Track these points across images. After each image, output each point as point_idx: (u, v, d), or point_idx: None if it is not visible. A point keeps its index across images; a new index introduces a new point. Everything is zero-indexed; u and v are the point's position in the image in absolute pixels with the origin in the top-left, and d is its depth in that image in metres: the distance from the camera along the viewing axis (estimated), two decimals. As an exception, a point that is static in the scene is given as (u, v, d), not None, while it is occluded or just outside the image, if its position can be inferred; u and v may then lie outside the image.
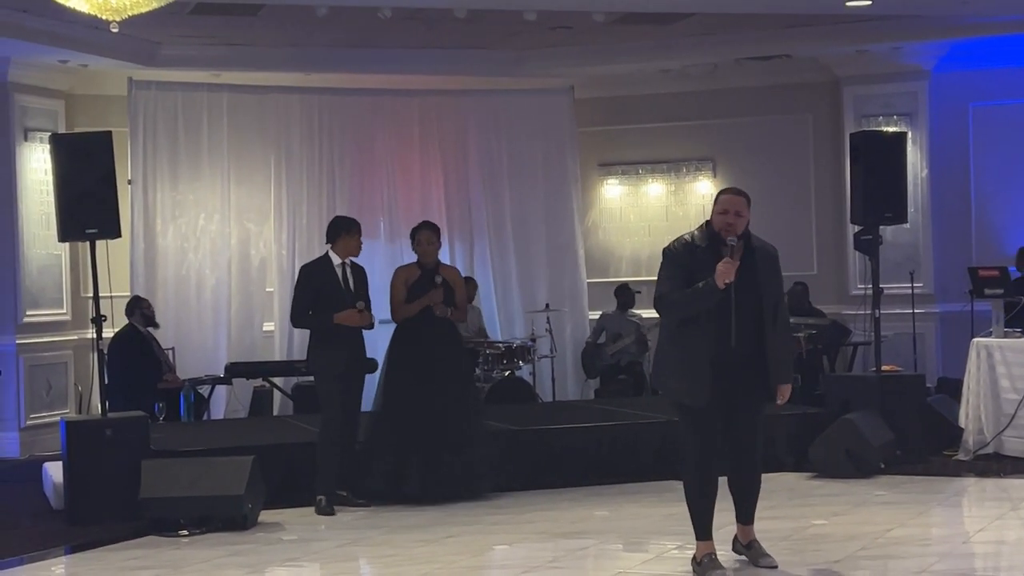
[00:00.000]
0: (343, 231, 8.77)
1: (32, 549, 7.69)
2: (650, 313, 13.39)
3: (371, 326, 8.85)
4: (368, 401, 9.15)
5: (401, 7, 11.10)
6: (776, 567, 6.43)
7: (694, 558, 6.49)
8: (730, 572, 6.41)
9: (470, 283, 12.57)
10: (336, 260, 8.74)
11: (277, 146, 13.23)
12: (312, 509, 8.51)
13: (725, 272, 6.21)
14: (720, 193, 6.55)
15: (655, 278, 6.62)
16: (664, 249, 6.53)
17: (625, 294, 13.57)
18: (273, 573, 7.07)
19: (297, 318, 8.86)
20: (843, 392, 10.09)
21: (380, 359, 9.16)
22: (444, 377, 8.82)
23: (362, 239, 8.85)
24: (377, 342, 9.33)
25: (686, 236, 6.51)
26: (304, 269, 8.97)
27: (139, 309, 11.81)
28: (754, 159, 13.86)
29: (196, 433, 10.45)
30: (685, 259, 6.39)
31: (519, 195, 13.93)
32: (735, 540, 6.66)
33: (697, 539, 6.49)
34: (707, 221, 6.51)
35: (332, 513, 8.44)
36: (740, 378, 6.34)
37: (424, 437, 8.71)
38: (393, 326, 9.05)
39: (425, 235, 8.94)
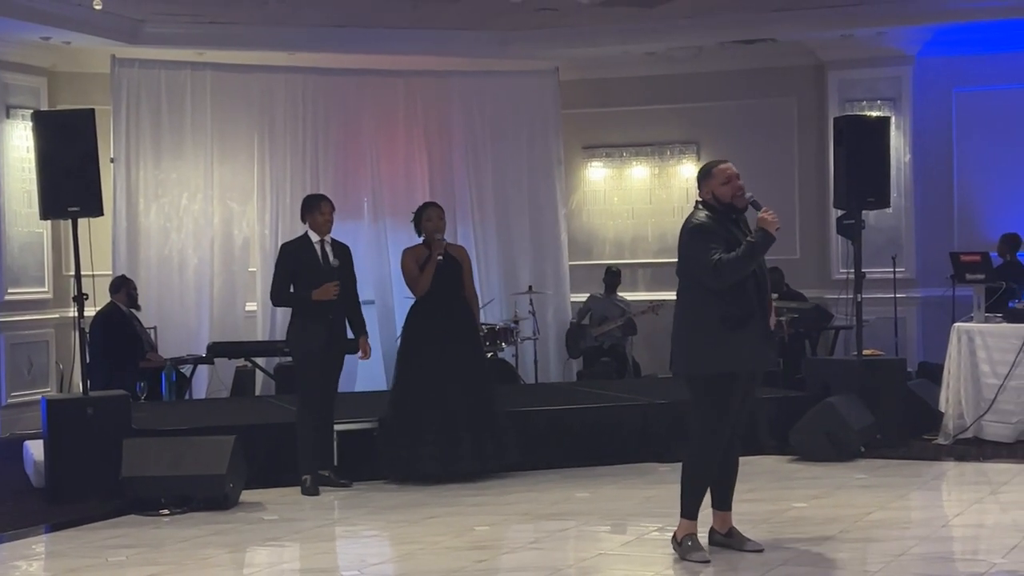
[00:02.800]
0: (308, 208, 8.81)
1: (12, 527, 7.68)
2: (632, 296, 13.52)
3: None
4: (372, 379, 9.15)
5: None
6: (762, 551, 6.43)
7: (674, 537, 6.45)
8: (709, 554, 6.40)
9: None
10: (315, 238, 8.74)
11: (261, 126, 13.19)
12: (293, 489, 8.51)
13: (772, 219, 6.28)
14: (711, 167, 6.57)
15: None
16: (690, 227, 6.40)
17: (612, 277, 13.59)
18: (254, 553, 7.07)
19: (276, 296, 8.90)
20: (824, 376, 10.12)
21: (372, 339, 9.20)
22: (459, 357, 8.86)
23: (332, 213, 8.80)
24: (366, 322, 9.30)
25: (703, 214, 6.46)
26: (283, 248, 8.98)
27: (125, 288, 11.79)
28: (738, 142, 13.85)
29: (178, 412, 10.43)
30: (715, 228, 6.35)
31: (503, 177, 13.92)
32: (711, 532, 6.58)
33: (684, 517, 6.42)
34: (700, 202, 6.51)
35: (317, 493, 8.45)
36: (759, 350, 6.36)
37: (440, 416, 8.74)
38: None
39: (434, 211, 9.00)
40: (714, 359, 6.31)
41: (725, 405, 6.34)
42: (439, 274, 8.87)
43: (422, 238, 9.00)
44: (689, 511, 6.43)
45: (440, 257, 8.86)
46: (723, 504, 6.57)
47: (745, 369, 6.33)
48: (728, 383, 6.31)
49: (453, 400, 8.77)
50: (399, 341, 9.06)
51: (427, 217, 8.96)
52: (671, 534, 6.54)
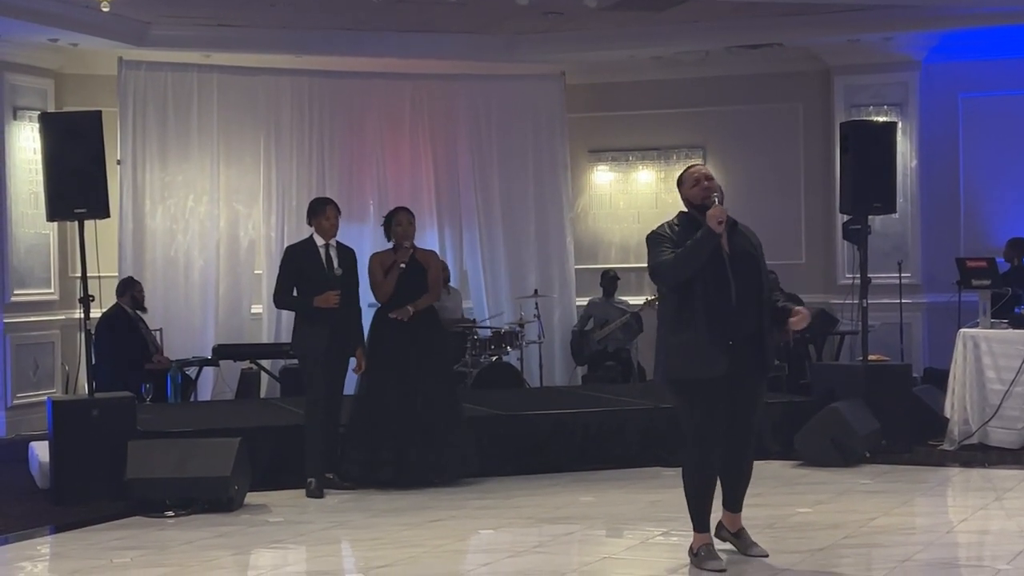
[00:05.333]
0: (313, 212, 8.82)
1: (17, 528, 7.68)
2: (636, 300, 13.51)
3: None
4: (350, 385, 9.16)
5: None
6: (767, 556, 6.40)
7: (691, 549, 6.38)
8: (725, 564, 6.33)
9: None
10: (320, 242, 8.75)
11: (267, 128, 13.21)
12: (297, 492, 8.52)
13: (716, 213, 6.16)
14: (682, 174, 6.57)
15: (643, 265, 6.58)
16: (648, 235, 6.42)
17: (610, 280, 13.60)
18: (258, 555, 7.07)
19: (279, 299, 8.89)
20: (830, 381, 10.12)
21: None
22: (423, 362, 8.84)
23: (338, 218, 8.81)
24: (366, 327, 9.31)
25: (666, 223, 6.45)
26: (288, 250, 9.00)
27: (131, 291, 11.80)
28: (744, 147, 13.87)
29: (183, 414, 10.43)
30: (672, 236, 6.32)
31: (509, 180, 13.93)
32: (720, 526, 6.56)
33: (694, 530, 6.35)
34: (680, 212, 6.48)
35: (321, 496, 8.45)
36: (742, 356, 6.20)
37: (401, 423, 8.72)
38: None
39: (404, 216, 8.98)
40: (663, 366, 6.32)
41: (697, 412, 6.24)
42: (404, 280, 8.83)
43: (392, 243, 9.00)
44: (697, 523, 6.35)
45: (403, 265, 8.85)
46: (732, 506, 6.53)
47: (685, 377, 6.21)
48: (692, 389, 6.22)
49: (413, 408, 8.74)
50: (366, 343, 9.01)
51: (397, 222, 8.93)
52: (676, 540, 6.52)
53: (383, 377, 8.83)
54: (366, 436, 8.78)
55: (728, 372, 6.18)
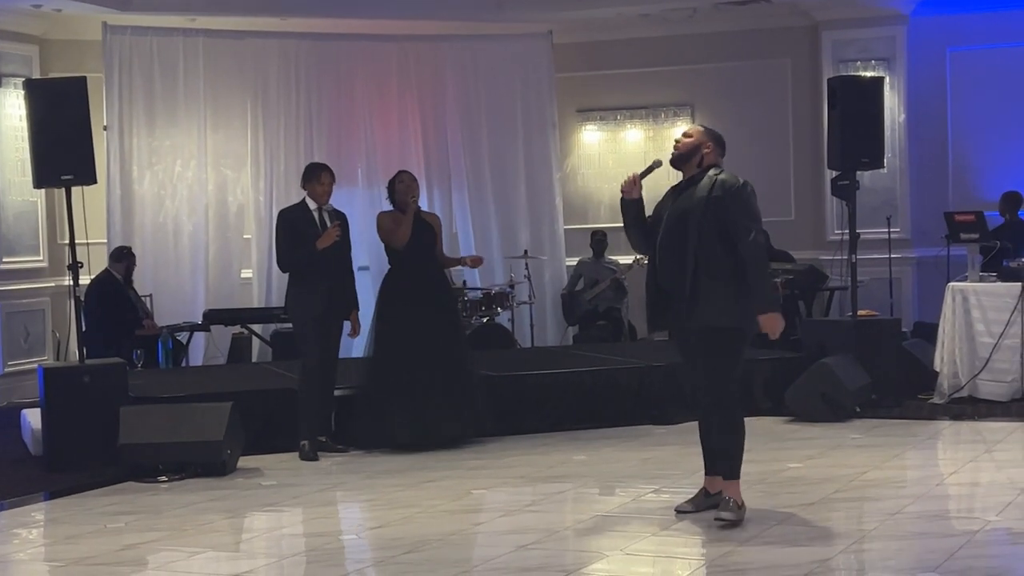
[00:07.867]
0: (308, 177, 8.81)
1: (11, 495, 7.71)
2: (625, 259, 13.51)
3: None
4: (353, 347, 9.18)
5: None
6: (720, 524, 6.20)
7: None
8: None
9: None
10: (313, 205, 8.74)
11: (254, 92, 13.14)
12: (290, 455, 8.54)
13: (625, 181, 6.69)
14: None
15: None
16: None
17: (599, 240, 13.58)
18: (252, 518, 7.10)
19: (285, 260, 8.78)
20: (819, 336, 10.15)
21: (367, 304, 9.19)
22: (435, 323, 8.85)
23: (332, 184, 8.79)
24: (359, 289, 9.31)
25: None
26: (282, 214, 8.95)
27: (120, 261, 11.77)
28: (733, 104, 13.83)
29: (174, 380, 10.45)
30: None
31: (497, 141, 13.89)
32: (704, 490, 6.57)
33: None
34: None
35: (315, 458, 8.48)
36: (674, 312, 6.37)
37: (415, 384, 8.74)
38: (381, 273, 9.11)
39: (407, 176, 9.03)
40: None
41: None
42: (415, 237, 8.86)
43: (392, 208, 9.00)
44: None
45: (416, 205, 8.88)
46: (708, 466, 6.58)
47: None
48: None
49: (427, 367, 8.76)
50: (375, 306, 9.03)
51: (399, 180, 8.99)
52: (667, 497, 6.57)
53: (394, 337, 8.84)
54: (381, 400, 8.79)
55: (669, 327, 6.52)
